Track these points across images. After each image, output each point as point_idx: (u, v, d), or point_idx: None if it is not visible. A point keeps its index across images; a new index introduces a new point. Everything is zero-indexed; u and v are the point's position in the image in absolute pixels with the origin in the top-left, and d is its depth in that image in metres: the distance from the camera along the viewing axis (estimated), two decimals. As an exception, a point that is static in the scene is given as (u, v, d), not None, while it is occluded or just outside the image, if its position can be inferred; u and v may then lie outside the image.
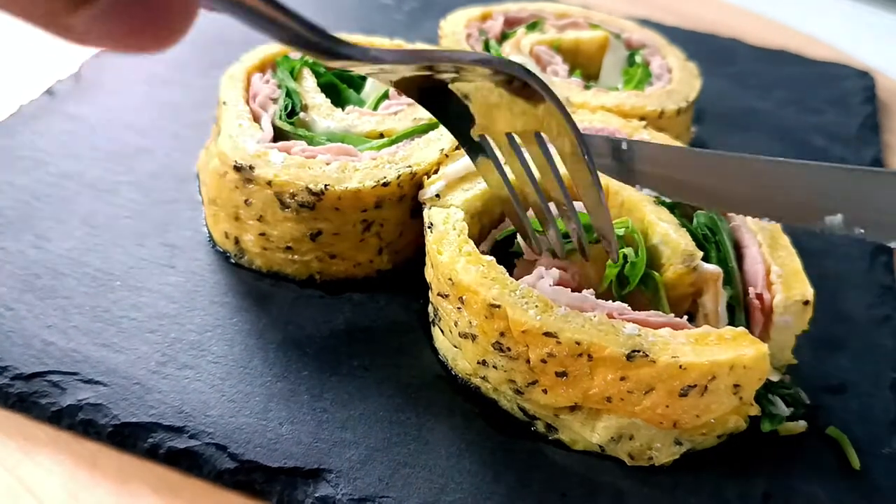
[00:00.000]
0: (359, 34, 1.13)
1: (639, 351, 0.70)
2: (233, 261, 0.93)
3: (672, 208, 0.86)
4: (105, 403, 0.75)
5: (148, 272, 0.90)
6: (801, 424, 0.80)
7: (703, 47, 1.51)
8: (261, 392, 0.78)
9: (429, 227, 0.82)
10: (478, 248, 0.84)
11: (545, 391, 0.74)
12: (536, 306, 0.73)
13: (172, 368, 0.79)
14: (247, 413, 0.76)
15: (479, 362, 0.78)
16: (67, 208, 0.96)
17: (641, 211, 0.84)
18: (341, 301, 0.90)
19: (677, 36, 1.34)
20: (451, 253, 0.78)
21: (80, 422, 0.74)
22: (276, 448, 0.73)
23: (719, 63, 1.47)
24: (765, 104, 1.36)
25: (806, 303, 0.79)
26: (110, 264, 0.90)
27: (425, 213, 0.84)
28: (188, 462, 0.72)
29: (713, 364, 0.70)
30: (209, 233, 0.96)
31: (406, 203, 0.89)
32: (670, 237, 0.81)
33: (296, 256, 0.90)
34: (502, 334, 0.74)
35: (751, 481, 0.76)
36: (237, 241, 0.92)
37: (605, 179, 0.87)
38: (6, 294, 0.85)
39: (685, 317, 0.78)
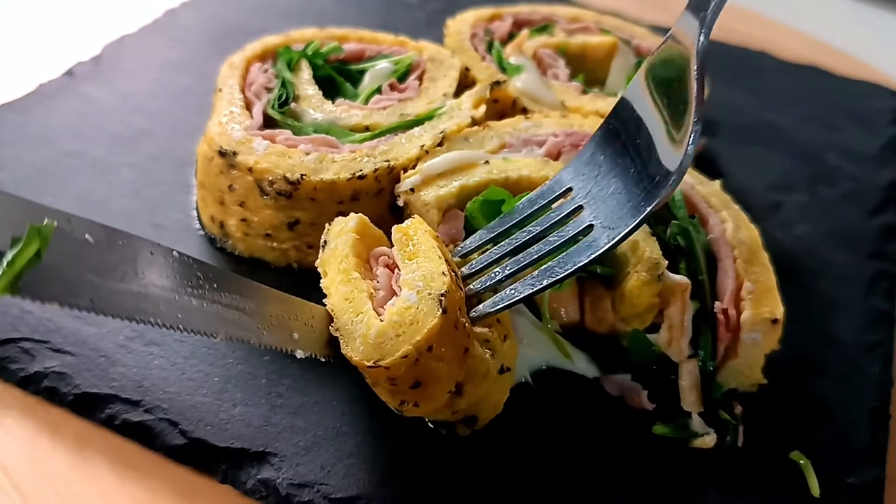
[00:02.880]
0: (381, 32, 1.13)
1: (444, 294, 0.67)
2: (218, 245, 0.95)
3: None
4: (70, 373, 0.77)
5: (132, 250, 0.92)
6: (709, 440, 0.78)
7: (731, 60, 1.48)
8: (220, 373, 0.80)
9: (322, 246, 0.77)
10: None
11: (417, 405, 0.70)
12: (364, 333, 0.67)
13: (139, 344, 0.81)
14: (203, 392, 0.78)
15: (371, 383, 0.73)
16: (65, 186, 0.99)
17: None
18: (316, 290, 0.90)
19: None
20: (332, 273, 0.74)
21: (44, 388, 0.77)
22: (226, 428, 0.75)
23: (745, 76, 1.43)
24: (783, 119, 1.32)
25: (774, 321, 0.77)
26: (97, 240, 0.92)
27: (325, 230, 0.79)
28: (141, 435, 0.74)
29: None
30: (199, 216, 0.98)
31: (384, 198, 0.89)
32: (638, 245, 0.79)
33: (275, 244, 0.91)
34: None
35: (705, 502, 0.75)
36: (222, 226, 0.94)
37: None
38: (-6, 263, 0.88)
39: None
